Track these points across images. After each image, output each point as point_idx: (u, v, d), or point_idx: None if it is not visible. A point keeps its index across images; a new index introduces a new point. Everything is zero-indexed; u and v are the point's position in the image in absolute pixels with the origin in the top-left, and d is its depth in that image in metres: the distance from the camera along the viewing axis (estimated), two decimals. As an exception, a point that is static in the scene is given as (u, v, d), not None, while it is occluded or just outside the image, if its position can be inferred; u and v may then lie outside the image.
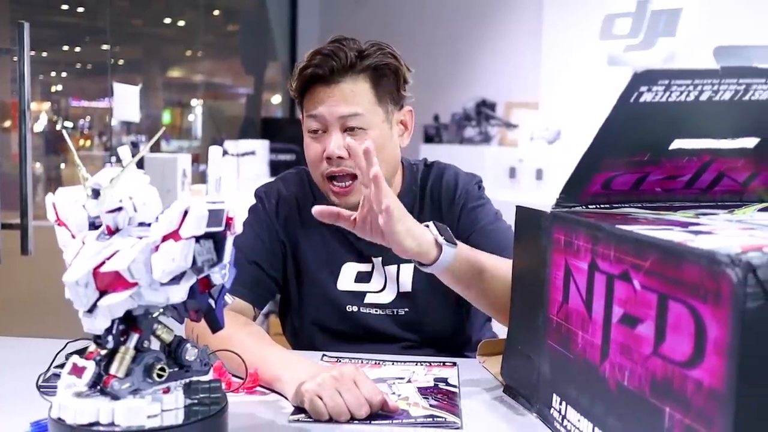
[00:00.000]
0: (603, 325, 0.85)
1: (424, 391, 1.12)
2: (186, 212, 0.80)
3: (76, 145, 4.42)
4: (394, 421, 1.00)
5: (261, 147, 3.95)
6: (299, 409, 1.03)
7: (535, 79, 4.77)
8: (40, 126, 4.21)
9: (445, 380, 1.18)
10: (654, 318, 0.75)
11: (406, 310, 1.41)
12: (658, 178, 0.99)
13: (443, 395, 1.11)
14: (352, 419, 0.99)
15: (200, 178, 3.82)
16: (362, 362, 1.27)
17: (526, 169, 4.22)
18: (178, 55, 5.82)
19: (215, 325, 0.90)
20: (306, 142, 1.37)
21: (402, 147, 1.42)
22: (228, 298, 0.92)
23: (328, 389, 1.00)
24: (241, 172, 3.79)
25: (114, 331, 0.84)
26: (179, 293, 0.83)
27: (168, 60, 5.69)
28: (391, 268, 1.41)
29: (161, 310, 0.88)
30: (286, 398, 1.07)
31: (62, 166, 4.35)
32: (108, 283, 0.82)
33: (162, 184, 2.83)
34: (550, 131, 4.35)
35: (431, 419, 1.01)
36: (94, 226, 0.87)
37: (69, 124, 4.58)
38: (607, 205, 1.01)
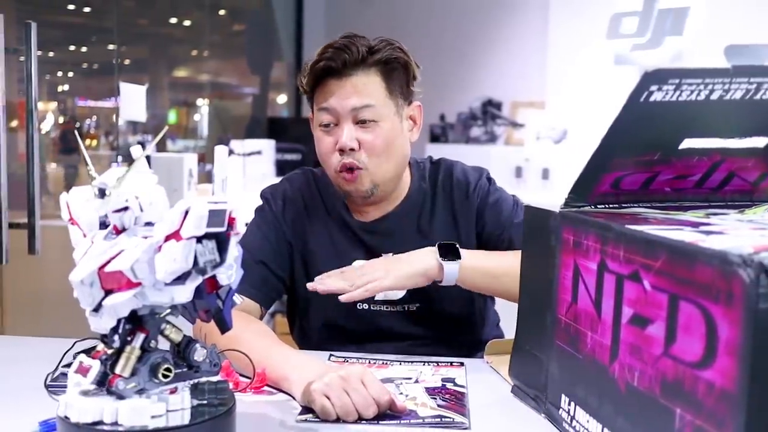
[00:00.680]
0: (612, 325, 0.84)
1: (431, 392, 1.12)
2: (187, 212, 0.79)
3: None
4: (401, 422, 1.00)
5: (267, 146, 3.95)
6: (307, 409, 1.03)
7: (541, 78, 4.77)
8: (47, 125, 4.23)
9: (452, 380, 1.17)
10: (665, 318, 0.74)
11: (418, 305, 1.41)
12: (667, 177, 0.98)
13: (451, 395, 1.10)
14: (360, 419, 0.99)
15: (207, 177, 3.82)
16: (369, 362, 1.26)
17: (532, 168, 4.21)
18: (184, 54, 5.82)
19: (223, 326, 0.90)
20: (317, 135, 1.38)
21: (411, 141, 1.43)
22: (237, 298, 0.92)
23: (336, 389, 0.99)
24: (247, 172, 3.79)
25: (120, 331, 0.84)
26: (184, 293, 0.83)
27: (174, 60, 5.69)
28: None
29: (169, 310, 0.87)
30: (293, 398, 1.07)
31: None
32: (113, 282, 0.82)
33: (168, 184, 2.83)
34: (557, 131, 4.35)
35: (439, 419, 1.01)
36: (104, 225, 0.86)
37: (76, 123, 4.58)
38: (616, 205, 1.00)
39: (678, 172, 0.97)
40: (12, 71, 2.16)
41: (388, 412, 1.01)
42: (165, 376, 0.84)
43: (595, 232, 0.88)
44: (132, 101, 3.17)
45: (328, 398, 0.99)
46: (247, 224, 2.45)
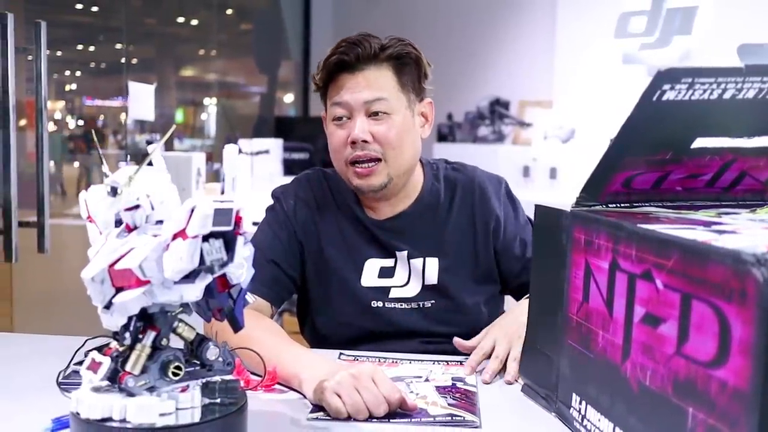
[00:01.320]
0: (624, 324, 0.84)
1: (442, 390, 1.12)
2: (193, 211, 0.79)
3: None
4: (412, 420, 1.00)
5: (275, 146, 3.95)
6: (318, 407, 1.03)
7: (548, 77, 4.76)
8: (55, 125, 4.25)
9: (462, 379, 1.18)
10: (677, 317, 0.74)
11: (433, 302, 1.42)
12: (679, 176, 0.98)
13: (461, 394, 1.10)
14: (371, 417, 0.99)
15: (215, 176, 3.84)
16: (379, 361, 1.27)
17: (540, 167, 4.21)
18: (192, 54, 5.84)
19: (235, 325, 0.90)
20: (330, 130, 1.39)
21: (423, 138, 1.44)
22: (250, 297, 0.92)
23: (347, 387, 1.00)
24: (255, 171, 3.80)
25: (131, 328, 0.84)
26: (194, 292, 0.83)
27: (181, 59, 5.71)
28: (417, 262, 1.42)
29: (181, 308, 0.88)
30: (304, 396, 1.07)
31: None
32: (123, 280, 0.82)
33: (176, 183, 2.83)
34: (564, 130, 4.34)
35: (450, 418, 1.01)
36: (119, 223, 0.87)
37: (80, 122, 4.59)
38: (628, 204, 1.00)
39: (689, 171, 0.97)
40: (20, 70, 2.17)
41: (399, 411, 1.01)
42: (175, 374, 0.85)
43: (607, 231, 0.88)
44: (141, 100, 3.19)
45: (339, 396, 0.99)
46: (255, 223, 2.46)
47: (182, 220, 0.79)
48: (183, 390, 0.86)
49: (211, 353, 0.89)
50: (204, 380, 0.88)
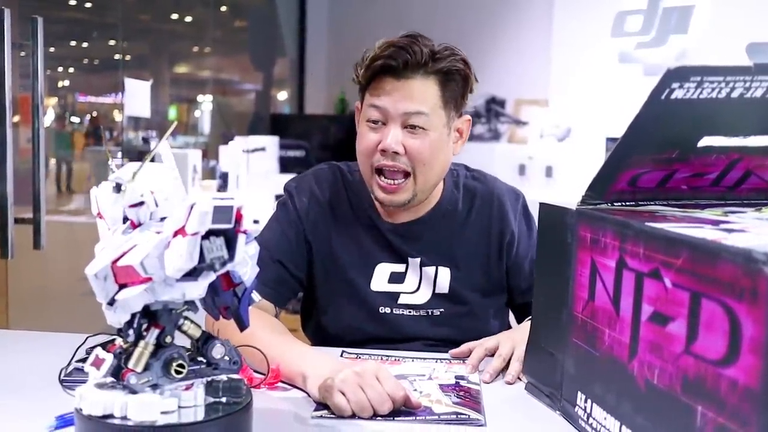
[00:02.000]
0: (631, 323, 0.84)
1: (445, 388, 1.12)
2: (192, 208, 0.79)
3: (84, 142, 4.43)
4: (417, 418, 1.00)
5: (271, 143, 3.94)
6: (322, 405, 1.03)
7: (545, 76, 4.76)
8: (47, 121, 4.25)
9: (465, 377, 1.17)
10: (686, 316, 0.74)
11: (442, 310, 1.40)
12: (684, 175, 0.98)
13: (465, 392, 1.10)
14: (375, 415, 0.99)
15: (210, 173, 3.82)
16: (382, 359, 1.26)
17: (535, 166, 4.22)
18: (186, 50, 5.82)
19: (240, 324, 0.90)
20: (361, 130, 1.34)
21: (454, 154, 1.39)
22: (256, 296, 0.91)
23: (351, 385, 0.99)
24: (251, 169, 3.79)
25: (134, 325, 0.84)
26: (197, 290, 0.82)
27: (175, 56, 5.69)
28: (429, 269, 1.40)
29: (186, 306, 0.87)
30: (308, 394, 1.07)
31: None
32: (126, 277, 0.82)
33: (173, 180, 2.83)
34: (560, 128, 4.35)
35: (455, 416, 1.01)
36: (128, 219, 0.86)
37: (76, 119, 4.58)
38: (633, 203, 1.00)
39: (695, 170, 0.97)
40: (14, 66, 2.15)
41: (403, 409, 1.01)
42: (178, 372, 0.84)
43: (614, 230, 0.88)
44: (137, 97, 3.17)
45: (343, 394, 0.99)
46: (255, 221, 2.44)
47: (182, 217, 0.79)
48: (187, 388, 0.86)
49: (217, 351, 0.88)
50: (208, 379, 0.88)
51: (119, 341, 0.87)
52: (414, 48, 1.27)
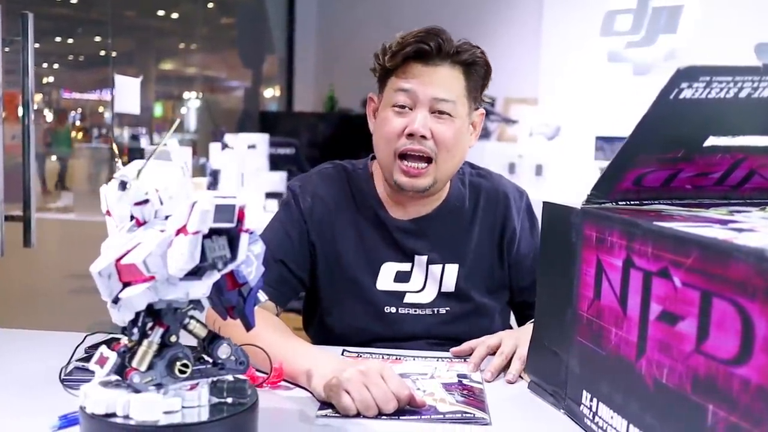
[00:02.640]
0: (639, 322, 0.84)
1: (448, 387, 1.11)
2: (193, 206, 0.78)
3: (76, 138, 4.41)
4: (422, 417, 0.99)
5: (261, 141, 3.92)
6: (326, 404, 1.02)
7: (534, 75, 4.77)
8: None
9: (467, 376, 1.17)
10: (696, 315, 0.75)
11: (447, 309, 1.40)
12: (689, 175, 0.98)
13: (469, 391, 1.10)
14: (380, 415, 0.98)
15: (200, 171, 3.80)
16: (383, 357, 1.26)
17: (525, 164, 4.23)
18: (173, 47, 5.78)
19: (245, 324, 0.89)
20: (385, 115, 1.34)
21: (470, 147, 1.40)
22: (261, 296, 0.91)
23: (356, 384, 0.99)
24: (240, 166, 3.77)
25: (139, 324, 0.83)
26: (200, 289, 0.82)
27: (162, 52, 5.65)
28: (436, 268, 1.40)
29: (192, 305, 0.87)
30: (311, 393, 1.07)
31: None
32: (129, 275, 0.81)
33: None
34: (550, 127, 4.36)
35: (460, 415, 1.00)
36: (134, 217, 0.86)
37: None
38: (637, 202, 1.00)
39: (699, 169, 0.98)
40: (2, 62, 2.14)
41: (408, 408, 1.01)
42: (182, 372, 0.83)
43: (621, 229, 0.88)
44: (126, 94, 3.14)
45: (348, 393, 0.99)
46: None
47: (184, 215, 0.78)
48: (192, 388, 0.85)
49: (223, 351, 0.87)
50: (214, 379, 0.87)
51: (124, 340, 0.86)
52: (442, 35, 1.30)
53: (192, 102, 5.67)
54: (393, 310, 1.39)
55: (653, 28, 4.11)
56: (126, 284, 0.82)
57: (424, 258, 1.40)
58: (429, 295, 1.40)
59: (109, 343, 0.88)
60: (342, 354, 1.28)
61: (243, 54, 6.11)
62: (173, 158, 0.87)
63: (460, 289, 1.40)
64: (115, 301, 0.83)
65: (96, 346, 1.17)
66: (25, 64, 2.23)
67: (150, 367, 0.83)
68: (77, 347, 1.16)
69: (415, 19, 1.40)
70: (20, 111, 2.29)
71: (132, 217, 0.85)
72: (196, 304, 0.87)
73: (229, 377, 0.88)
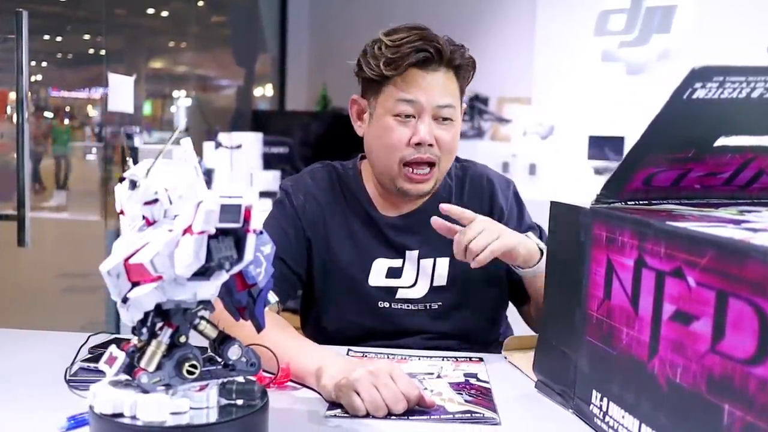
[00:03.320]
0: (651, 321, 0.84)
1: (456, 387, 1.11)
2: (199, 206, 0.78)
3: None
4: (431, 417, 0.99)
5: (254, 140, 3.91)
6: (335, 405, 1.02)
7: (528, 74, 4.78)
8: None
9: (474, 375, 1.17)
10: (712, 315, 0.75)
11: (440, 303, 1.41)
12: (698, 174, 0.99)
13: (476, 391, 1.10)
14: (389, 414, 0.98)
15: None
16: (388, 357, 1.26)
17: (519, 164, 4.24)
18: (163, 45, 5.76)
19: (256, 325, 0.89)
20: (387, 124, 1.33)
21: None
22: (272, 296, 0.90)
23: (365, 384, 0.99)
24: (234, 165, 3.76)
25: (148, 324, 0.83)
26: (208, 290, 0.82)
27: (152, 51, 5.62)
28: (427, 262, 1.41)
29: (201, 305, 0.86)
30: (318, 393, 1.06)
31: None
32: (138, 275, 0.80)
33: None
34: (543, 126, 4.37)
35: (469, 415, 1.00)
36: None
37: (49, 114, 4.53)
38: (646, 202, 1.00)
39: (709, 169, 0.98)
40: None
41: (417, 408, 1.00)
42: (190, 373, 0.83)
43: (632, 228, 0.88)
44: (119, 92, 3.13)
45: (357, 393, 0.98)
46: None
47: (190, 215, 0.78)
48: (201, 389, 0.85)
49: (234, 352, 0.87)
50: (224, 380, 0.86)
51: (134, 340, 0.85)
52: (438, 39, 1.31)
53: (182, 101, 5.64)
54: (386, 305, 1.40)
55: (647, 27, 4.13)
56: (135, 284, 0.81)
57: (415, 253, 1.41)
58: (421, 290, 1.41)
59: (113, 344, 0.87)
60: (347, 353, 1.28)
61: (235, 53, 6.09)
62: (187, 158, 0.86)
63: (453, 282, 1.41)
64: (124, 300, 0.82)
65: (99, 347, 1.17)
66: (19, 62, 2.21)
67: (158, 367, 0.82)
68: (81, 347, 1.15)
69: (408, 19, 1.40)
70: (8, 110, 2.27)
71: (143, 217, 0.84)
72: (206, 304, 0.86)
73: (239, 379, 0.87)
